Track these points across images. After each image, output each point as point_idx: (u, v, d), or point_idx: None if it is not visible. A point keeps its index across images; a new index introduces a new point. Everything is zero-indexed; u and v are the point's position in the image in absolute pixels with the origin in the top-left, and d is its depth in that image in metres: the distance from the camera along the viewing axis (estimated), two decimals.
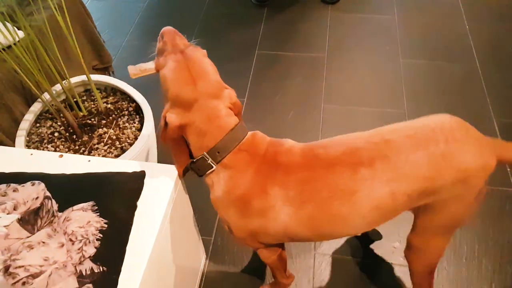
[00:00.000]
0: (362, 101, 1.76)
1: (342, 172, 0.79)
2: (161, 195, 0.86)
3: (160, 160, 1.43)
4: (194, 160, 0.84)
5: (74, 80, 1.35)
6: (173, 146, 0.85)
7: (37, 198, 0.73)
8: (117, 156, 1.17)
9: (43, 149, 1.21)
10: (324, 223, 0.82)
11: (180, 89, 0.80)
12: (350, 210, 0.79)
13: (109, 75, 1.76)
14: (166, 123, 0.81)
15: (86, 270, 0.67)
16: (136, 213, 0.81)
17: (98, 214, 0.75)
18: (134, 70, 0.85)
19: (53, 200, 0.75)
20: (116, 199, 0.79)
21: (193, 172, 0.85)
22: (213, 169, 0.83)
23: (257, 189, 0.81)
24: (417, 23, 2.11)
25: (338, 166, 0.79)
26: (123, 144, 1.21)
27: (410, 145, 0.78)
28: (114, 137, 1.23)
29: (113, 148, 1.20)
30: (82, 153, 1.19)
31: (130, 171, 0.88)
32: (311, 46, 2.01)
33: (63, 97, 1.32)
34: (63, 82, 1.27)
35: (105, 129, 1.25)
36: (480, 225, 1.35)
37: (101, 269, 0.69)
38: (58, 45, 1.34)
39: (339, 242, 1.35)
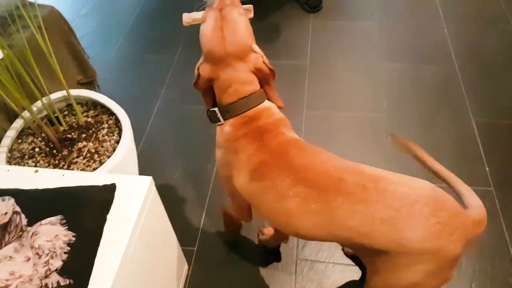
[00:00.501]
0: (343, 106, 1.79)
1: (288, 177, 0.84)
2: (132, 207, 0.87)
3: (141, 172, 1.45)
4: (210, 109, 0.96)
5: (56, 95, 1.38)
6: (203, 93, 0.98)
7: (6, 213, 0.75)
8: (95, 169, 1.19)
9: (24, 165, 1.23)
10: (257, 205, 0.91)
11: (211, 46, 0.90)
12: (275, 208, 0.86)
13: (94, 89, 1.79)
14: (199, 73, 0.93)
15: (52, 283, 0.69)
16: (107, 225, 0.83)
17: (67, 227, 0.77)
18: (187, 18, 0.96)
19: (23, 215, 0.77)
20: (85, 212, 0.81)
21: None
22: (220, 123, 0.96)
23: (236, 149, 0.92)
24: (397, 28, 2.14)
25: (293, 171, 0.84)
26: (102, 157, 1.23)
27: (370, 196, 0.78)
28: (93, 151, 1.25)
29: (92, 161, 1.22)
30: (62, 167, 1.21)
31: (102, 184, 0.90)
32: (293, 54, 2.04)
33: (45, 112, 1.35)
34: (44, 98, 1.30)
35: (84, 143, 1.27)
36: None
37: (68, 282, 0.70)
38: (42, 61, 1.37)
39: (322, 247, 1.36)
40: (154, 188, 0.95)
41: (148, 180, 0.93)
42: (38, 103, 1.33)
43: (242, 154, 0.91)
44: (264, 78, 0.94)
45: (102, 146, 1.26)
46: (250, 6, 0.96)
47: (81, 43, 1.71)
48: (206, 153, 1.63)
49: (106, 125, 1.33)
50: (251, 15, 0.97)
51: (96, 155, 1.23)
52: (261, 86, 0.95)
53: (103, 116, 1.35)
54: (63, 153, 1.24)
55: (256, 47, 0.92)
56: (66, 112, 1.38)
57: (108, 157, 1.22)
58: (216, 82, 0.93)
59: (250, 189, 0.90)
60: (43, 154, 1.25)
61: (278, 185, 0.84)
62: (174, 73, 1.99)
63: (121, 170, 1.21)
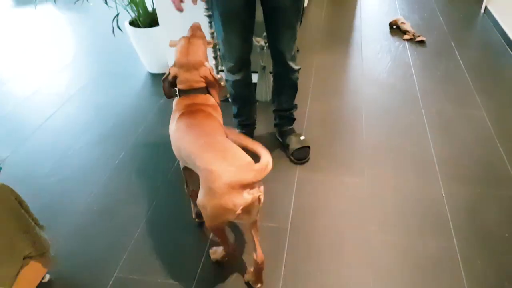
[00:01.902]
0: (326, 272, 1.56)
1: (190, 132, 1.42)
2: None
3: None
4: (174, 89, 1.56)
5: None
6: (166, 86, 1.58)
7: None
8: None
9: None
10: (173, 142, 1.51)
11: (179, 57, 1.54)
12: (179, 144, 1.46)
13: (47, 263, 1.63)
14: (169, 72, 1.55)
15: None
16: None
17: None
18: (172, 42, 1.62)
19: None
20: None
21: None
22: (176, 98, 1.57)
23: (178, 110, 1.52)
24: (388, 186, 1.98)
25: (194, 129, 1.43)
26: None
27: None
28: None
29: None
30: None
31: None
32: (274, 214, 1.87)
33: None
34: None
35: None
36: None
37: None
38: None
39: None
40: None
41: None
42: None
43: (177, 113, 1.51)
44: (209, 83, 1.55)
45: None
46: (211, 40, 1.85)
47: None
48: None
49: None
50: (211, 45, 1.73)
51: None
52: (208, 89, 1.57)
53: None
54: None
55: (207, 64, 1.55)
56: None
57: None
58: (178, 78, 1.54)
59: (173, 134, 1.51)
60: None
61: (185, 134, 1.43)
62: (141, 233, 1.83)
63: None
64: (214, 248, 1.69)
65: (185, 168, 1.63)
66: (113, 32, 2.65)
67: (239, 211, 1.24)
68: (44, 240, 1.61)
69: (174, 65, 1.54)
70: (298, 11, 1.82)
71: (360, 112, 2.52)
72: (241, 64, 1.96)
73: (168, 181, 2.08)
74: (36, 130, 2.52)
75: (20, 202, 1.52)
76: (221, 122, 1.55)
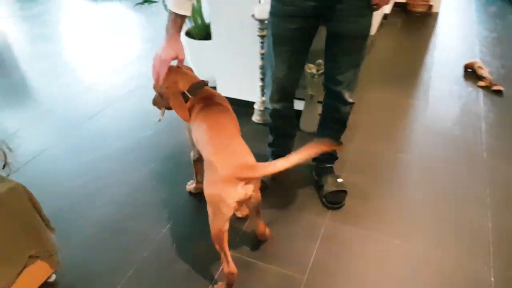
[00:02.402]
0: None
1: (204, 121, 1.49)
2: None
3: None
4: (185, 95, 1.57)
5: None
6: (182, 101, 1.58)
7: None
8: None
9: None
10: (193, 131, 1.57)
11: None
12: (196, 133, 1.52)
13: (55, 265, 1.59)
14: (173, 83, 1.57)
15: None
16: None
17: None
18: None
19: None
20: None
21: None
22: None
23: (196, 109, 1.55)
24: (427, 257, 1.72)
25: (207, 119, 1.49)
26: None
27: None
28: None
29: None
30: None
31: None
32: (289, 260, 1.70)
33: None
34: None
35: None
36: None
37: None
38: None
39: None
40: None
41: None
42: None
43: (196, 110, 1.54)
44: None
45: None
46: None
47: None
48: None
49: None
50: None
51: None
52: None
53: None
54: None
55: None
56: None
57: None
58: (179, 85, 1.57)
59: (195, 125, 1.52)
60: None
61: (200, 124, 1.49)
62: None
63: None
64: (219, 283, 1.60)
65: (196, 160, 1.84)
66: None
67: (234, 204, 1.33)
68: (53, 242, 1.58)
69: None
70: (363, 38, 1.66)
71: (413, 162, 2.26)
72: (283, 93, 1.82)
73: (190, 202, 1.99)
74: (76, 128, 2.55)
75: (33, 203, 1.50)
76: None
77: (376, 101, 2.82)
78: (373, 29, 3.69)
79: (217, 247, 1.46)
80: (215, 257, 1.61)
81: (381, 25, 3.92)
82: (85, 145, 2.39)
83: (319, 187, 2.03)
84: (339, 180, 2.01)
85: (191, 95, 1.55)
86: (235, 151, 1.38)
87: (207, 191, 1.38)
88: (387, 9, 4.03)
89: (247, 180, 1.33)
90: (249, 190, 1.35)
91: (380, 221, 1.89)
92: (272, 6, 1.64)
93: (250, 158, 1.38)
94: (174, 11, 1.48)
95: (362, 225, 1.87)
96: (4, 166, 1.40)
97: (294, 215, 1.92)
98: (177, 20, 1.49)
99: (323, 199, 1.97)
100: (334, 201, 1.95)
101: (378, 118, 2.64)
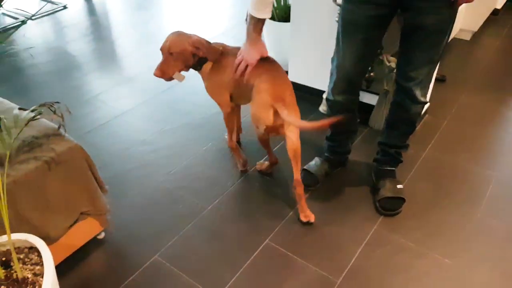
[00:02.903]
0: None
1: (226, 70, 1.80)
2: None
3: None
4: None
5: (18, 236, 1.32)
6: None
7: None
8: None
9: None
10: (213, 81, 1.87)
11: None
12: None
13: (104, 222, 1.71)
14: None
15: None
16: None
17: None
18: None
19: None
20: None
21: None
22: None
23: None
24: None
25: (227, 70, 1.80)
26: None
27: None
28: None
29: None
30: None
31: None
32: (327, 258, 1.64)
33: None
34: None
35: None
36: None
37: None
38: (38, 194, 1.42)
39: None
40: None
41: None
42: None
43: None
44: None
45: None
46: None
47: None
48: None
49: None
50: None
51: None
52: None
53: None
54: None
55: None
56: (22, 256, 1.30)
57: None
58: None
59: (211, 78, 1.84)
60: None
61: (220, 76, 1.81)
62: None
63: None
64: (261, 161, 2.07)
65: (229, 116, 1.95)
66: (246, 19, 2.62)
67: (264, 126, 1.64)
68: (104, 203, 1.70)
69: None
70: (443, 33, 1.49)
71: (490, 182, 2.00)
72: (347, 85, 1.71)
73: (238, 187, 2.00)
74: (152, 98, 2.68)
75: (89, 164, 1.61)
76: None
77: (464, 106, 2.54)
78: (476, 25, 3.30)
79: (262, 146, 1.86)
80: (251, 243, 1.61)
81: (488, 21, 3.48)
82: (157, 115, 2.51)
83: (375, 189, 1.91)
84: (399, 186, 1.86)
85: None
86: (282, 89, 1.63)
87: (252, 109, 1.68)
88: (498, 3, 3.57)
89: (278, 110, 1.57)
90: (279, 120, 1.60)
91: (432, 236, 1.73)
92: None
93: (290, 98, 1.64)
94: (255, 16, 1.53)
95: (412, 237, 1.72)
96: (59, 127, 1.51)
97: (343, 214, 1.83)
98: (259, 24, 1.58)
99: (377, 203, 1.85)
100: (389, 207, 1.82)
101: (463, 126, 2.38)
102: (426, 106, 2.36)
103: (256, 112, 1.66)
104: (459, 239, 1.72)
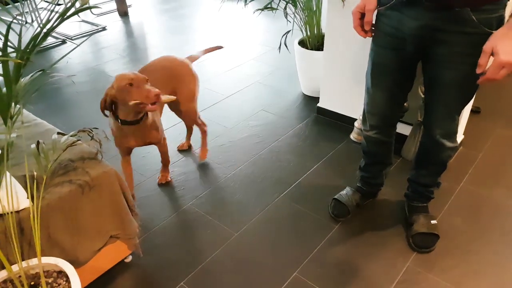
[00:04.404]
0: None
1: None
2: None
3: None
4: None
5: (48, 260, 1.33)
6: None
7: None
8: None
9: None
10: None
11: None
12: None
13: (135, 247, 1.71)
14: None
15: None
16: None
17: None
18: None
19: None
20: None
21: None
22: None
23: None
24: None
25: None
26: None
27: None
28: None
29: None
30: None
31: None
32: None
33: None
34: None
35: None
36: None
37: None
38: (70, 218, 1.44)
39: None
40: None
41: None
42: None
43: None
44: None
45: None
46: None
47: None
48: None
49: None
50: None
51: None
52: None
53: None
54: None
55: None
56: (51, 280, 1.31)
57: None
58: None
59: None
60: None
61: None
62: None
63: None
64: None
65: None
66: (279, 48, 2.65)
67: None
68: (134, 226, 1.70)
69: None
70: (461, 89, 1.43)
71: None
72: (381, 123, 1.68)
73: (267, 213, 1.97)
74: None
75: (123, 188, 1.62)
76: None
77: (500, 138, 2.46)
78: None
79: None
80: (279, 275, 1.57)
81: None
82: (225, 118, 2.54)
83: (408, 224, 1.84)
84: (433, 221, 1.79)
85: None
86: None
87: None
88: None
89: None
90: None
91: (469, 277, 1.64)
92: (375, 35, 1.51)
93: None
94: None
95: (448, 277, 1.64)
96: (97, 153, 1.54)
97: (375, 249, 1.78)
98: None
99: (410, 240, 1.78)
100: (422, 244, 1.75)
101: (499, 158, 2.29)
102: (459, 139, 2.29)
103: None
104: (499, 280, 1.63)
